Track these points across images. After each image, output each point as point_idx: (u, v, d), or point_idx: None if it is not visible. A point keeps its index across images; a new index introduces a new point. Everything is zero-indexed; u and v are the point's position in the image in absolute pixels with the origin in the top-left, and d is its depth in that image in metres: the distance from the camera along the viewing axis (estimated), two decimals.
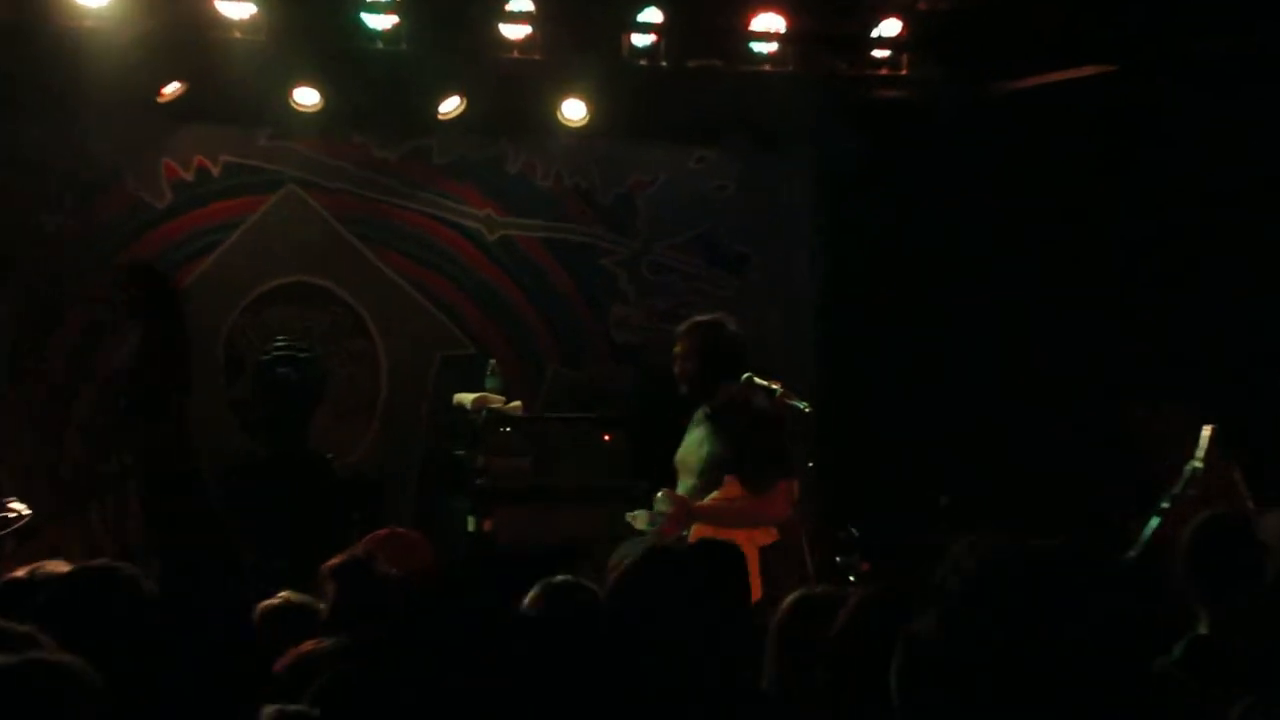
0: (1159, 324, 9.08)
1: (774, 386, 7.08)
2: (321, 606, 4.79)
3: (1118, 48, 8.91)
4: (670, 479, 7.20)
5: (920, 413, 9.32)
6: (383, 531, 5.88)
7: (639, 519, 6.86)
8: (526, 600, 4.23)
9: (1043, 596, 2.41)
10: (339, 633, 4.32)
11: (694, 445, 7.10)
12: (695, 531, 6.79)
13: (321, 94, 8.93)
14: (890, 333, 9.54)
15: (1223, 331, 8.90)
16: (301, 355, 8.74)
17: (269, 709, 3.30)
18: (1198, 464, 7.46)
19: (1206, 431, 7.52)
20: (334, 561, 4.81)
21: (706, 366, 7.06)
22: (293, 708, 3.31)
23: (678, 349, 7.17)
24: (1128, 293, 9.31)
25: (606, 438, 8.68)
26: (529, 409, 8.90)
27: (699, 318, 7.24)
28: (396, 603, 4.56)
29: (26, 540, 7.06)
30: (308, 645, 4.18)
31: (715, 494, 6.95)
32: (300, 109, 8.99)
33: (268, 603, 4.88)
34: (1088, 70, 9.07)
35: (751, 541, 6.77)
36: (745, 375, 7.25)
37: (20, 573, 4.62)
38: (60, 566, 4.51)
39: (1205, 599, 4.63)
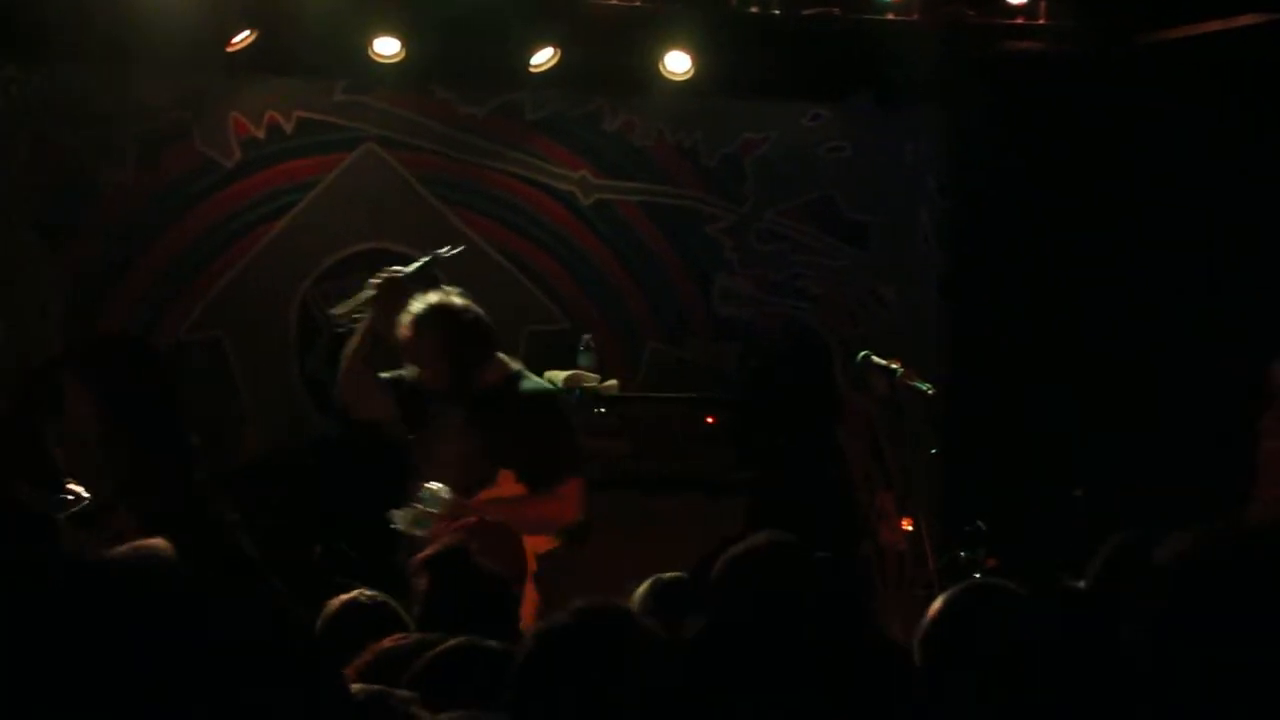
0: None
1: (894, 366, 6.97)
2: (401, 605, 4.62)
3: None
4: None
5: (1054, 397, 9.00)
6: (471, 520, 5.90)
7: (405, 518, 6.14)
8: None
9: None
10: (433, 629, 4.08)
11: (451, 437, 6.33)
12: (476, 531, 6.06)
13: (402, 44, 8.65)
14: (1023, 309, 9.24)
15: None
16: None
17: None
18: None
19: None
20: (427, 552, 4.69)
21: (456, 356, 6.30)
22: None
23: (409, 346, 6.35)
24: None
25: (709, 420, 8.52)
26: (625, 388, 8.78)
27: (423, 306, 6.35)
28: (492, 597, 4.50)
29: (86, 524, 6.68)
30: (387, 641, 3.86)
31: (489, 492, 6.26)
32: (380, 60, 8.70)
33: (343, 597, 4.60)
34: (1246, 19, 8.66)
35: (531, 549, 6.23)
36: (863, 353, 7.17)
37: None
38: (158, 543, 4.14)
39: None
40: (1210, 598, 2.37)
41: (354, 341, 6.47)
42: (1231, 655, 2.32)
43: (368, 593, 4.65)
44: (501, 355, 6.42)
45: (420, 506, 6.10)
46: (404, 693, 3.17)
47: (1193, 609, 2.38)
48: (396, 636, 3.94)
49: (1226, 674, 2.32)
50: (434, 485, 6.11)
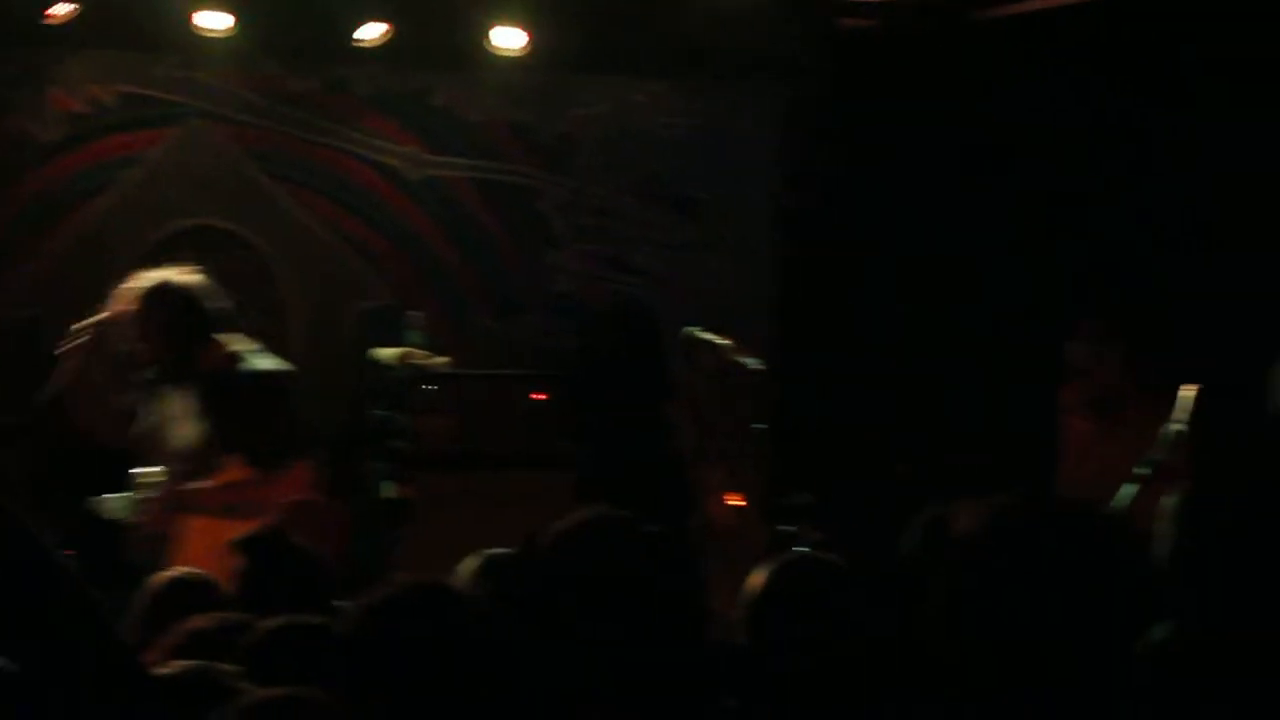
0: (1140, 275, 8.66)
1: (723, 341, 7.03)
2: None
3: None
4: None
5: (883, 373, 9.04)
6: (295, 498, 5.88)
7: (115, 506, 6.01)
8: None
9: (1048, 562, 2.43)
10: (251, 609, 4.06)
11: (170, 422, 6.19)
12: (186, 523, 6.01)
13: (231, 18, 8.55)
14: (856, 285, 9.27)
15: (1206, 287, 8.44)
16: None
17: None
18: (1180, 426, 7.16)
19: (1189, 392, 7.22)
20: (242, 535, 4.66)
21: (175, 337, 6.14)
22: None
23: (132, 321, 6.18)
24: (1109, 241, 8.88)
25: (540, 396, 8.58)
26: (456, 365, 8.67)
27: (147, 282, 6.16)
28: (309, 577, 4.46)
29: None
30: (199, 620, 3.84)
31: (212, 479, 6.10)
32: (206, 34, 8.58)
33: (166, 574, 4.62)
34: None
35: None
36: (689, 328, 6.96)
37: None
38: None
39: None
40: (995, 570, 2.45)
41: (74, 365, 6.21)
42: (1015, 625, 2.40)
43: (192, 571, 4.64)
44: (226, 336, 6.20)
45: (133, 494, 5.96)
46: (227, 667, 3.17)
47: (980, 580, 2.45)
48: (208, 616, 3.90)
49: (1011, 642, 2.41)
50: (147, 470, 5.98)
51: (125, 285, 6.13)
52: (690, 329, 7.12)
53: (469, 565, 4.20)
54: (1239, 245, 8.15)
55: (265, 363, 6.20)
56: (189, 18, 8.47)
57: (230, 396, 6.10)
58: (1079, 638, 2.40)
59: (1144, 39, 8.56)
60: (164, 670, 3.19)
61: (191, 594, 4.39)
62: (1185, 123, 8.29)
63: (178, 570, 4.73)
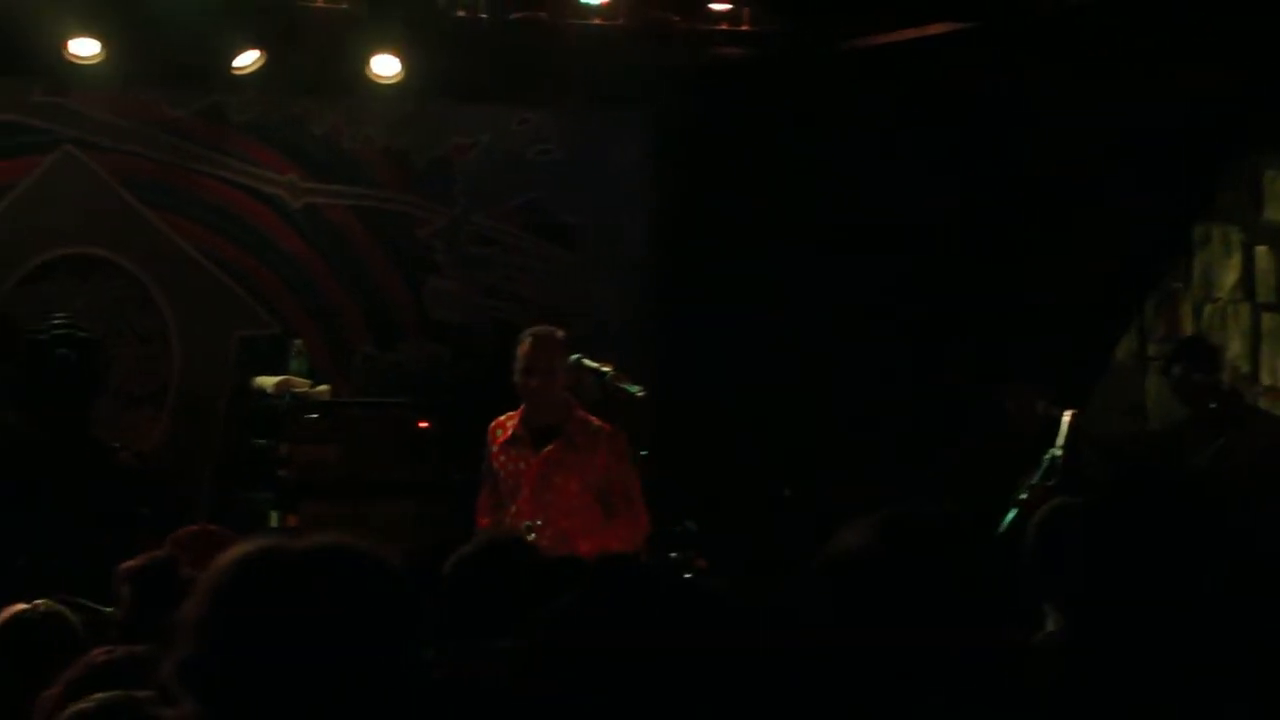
0: (1014, 302, 9.04)
1: (605, 369, 7.00)
2: (109, 611, 4.68)
3: (969, 5, 8.65)
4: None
5: (764, 397, 9.09)
6: (191, 528, 5.79)
7: None
8: None
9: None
10: (137, 639, 4.04)
11: None
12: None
13: (102, 44, 8.36)
14: (732, 309, 9.30)
15: (1078, 312, 9.00)
16: (82, 335, 8.15)
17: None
18: (1057, 451, 7.41)
19: (1066, 418, 7.45)
20: (131, 564, 4.71)
21: None
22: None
23: None
24: (982, 267, 9.19)
25: (422, 425, 8.44)
26: (337, 393, 8.68)
27: None
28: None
29: None
30: (98, 654, 3.78)
31: None
32: (78, 61, 8.40)
33: (17, 609, 4.46)
34: (937, 28, 8.79)
35: None
36: (575, 356, 7.12)
37: None
38: None
39: (1053, 595, 4.27)
40: (860, 590, 2.57)
41: None
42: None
43: (47, 605, 4.51)
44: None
45: None
46: (144, 693, 3.17)
47: (851, 601, 2.57)
48: (105, 649, 3.86)
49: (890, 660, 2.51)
50: None
51: None
52: (575, 356, 7.11)
53: None
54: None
55: None
56: (61, 44, 8.30)
57: None
58: None
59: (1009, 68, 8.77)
60: (86, 705, 3.21)
61: (41, 627, 4.35)
62: None
63: (41, 603, 4.56)
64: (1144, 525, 3.04)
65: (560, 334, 7.18)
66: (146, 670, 3.43)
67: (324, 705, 2.27)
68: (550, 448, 7.03)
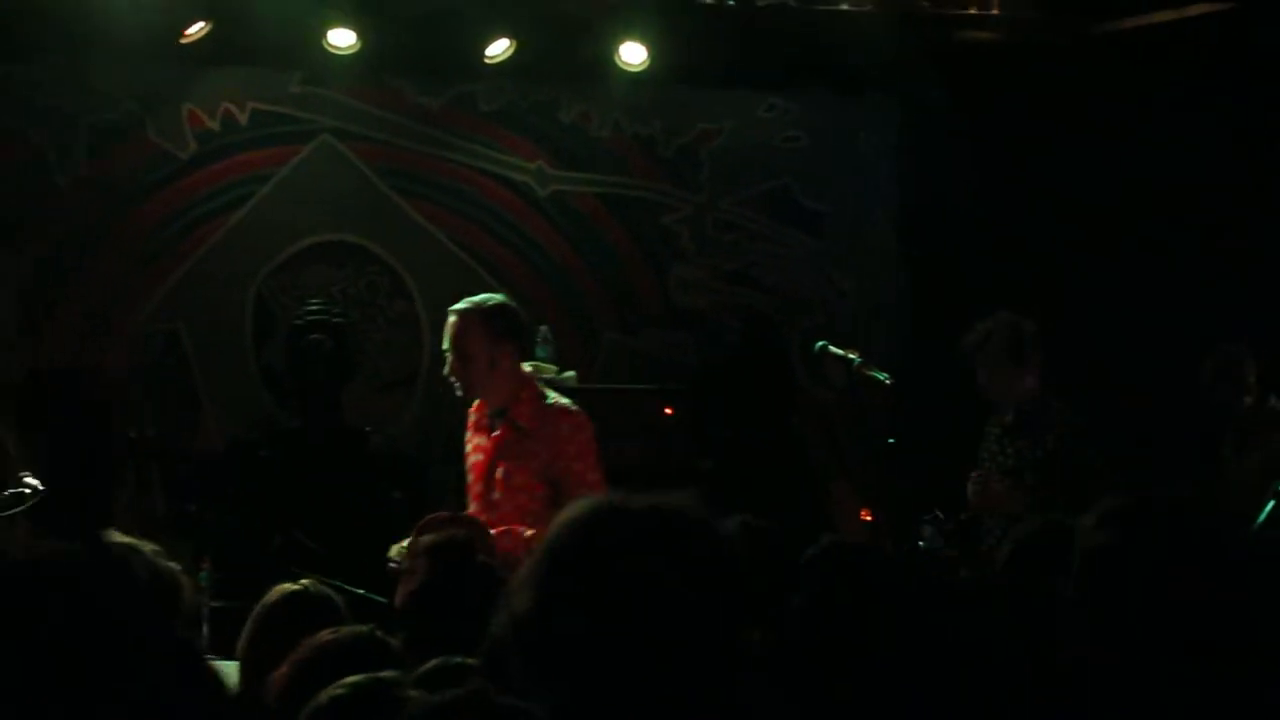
0: None
1: (851, 356, 6.80)
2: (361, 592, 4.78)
3: None
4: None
5: None
6: (441, 515, 5.78)
7: None
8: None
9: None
10: (420, 616, 4.17)
11: None
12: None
13: (358, 35, 8.53)
14: (982, 297, 8.81)
15: None
16: (336, 320, 8.37)
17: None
18: None
19: None
20: (430, 539, 4.67)
21: None
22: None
23: None
24: (1250, 249, 8.80)
25: (667, 411, 8.42)
26: (583, 379, 8.54)
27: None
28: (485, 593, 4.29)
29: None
30: (325, 635, 3.73)
31: None
32: (335, 51, 8.57)
33: (287, 588, 4.46)
34: (1197, 9, 8.63)
35: None
36: (820, 343, 6.96)
37: None
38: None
39: None
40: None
41: None
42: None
43: (314, 584, 4.54)
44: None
45: None
46: (390, 674, 3.17)
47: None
48: (331, 630, 3.83)
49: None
50: None
51: None
52: (821, 343, 6.97)
53: None
54: None
55: None
56: (319, 35, 8.46)
57: None
58: None
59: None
60: (338, 690, 3.16)
61: (309, 607, 4.35)
62: None
63: (299, 583, 4.58)
64: None
65: (485, 307, 6.07)
66: (373, 650, 3.50)
67: (649, 668, 2.23)
68: (495, 434, 6.08)
